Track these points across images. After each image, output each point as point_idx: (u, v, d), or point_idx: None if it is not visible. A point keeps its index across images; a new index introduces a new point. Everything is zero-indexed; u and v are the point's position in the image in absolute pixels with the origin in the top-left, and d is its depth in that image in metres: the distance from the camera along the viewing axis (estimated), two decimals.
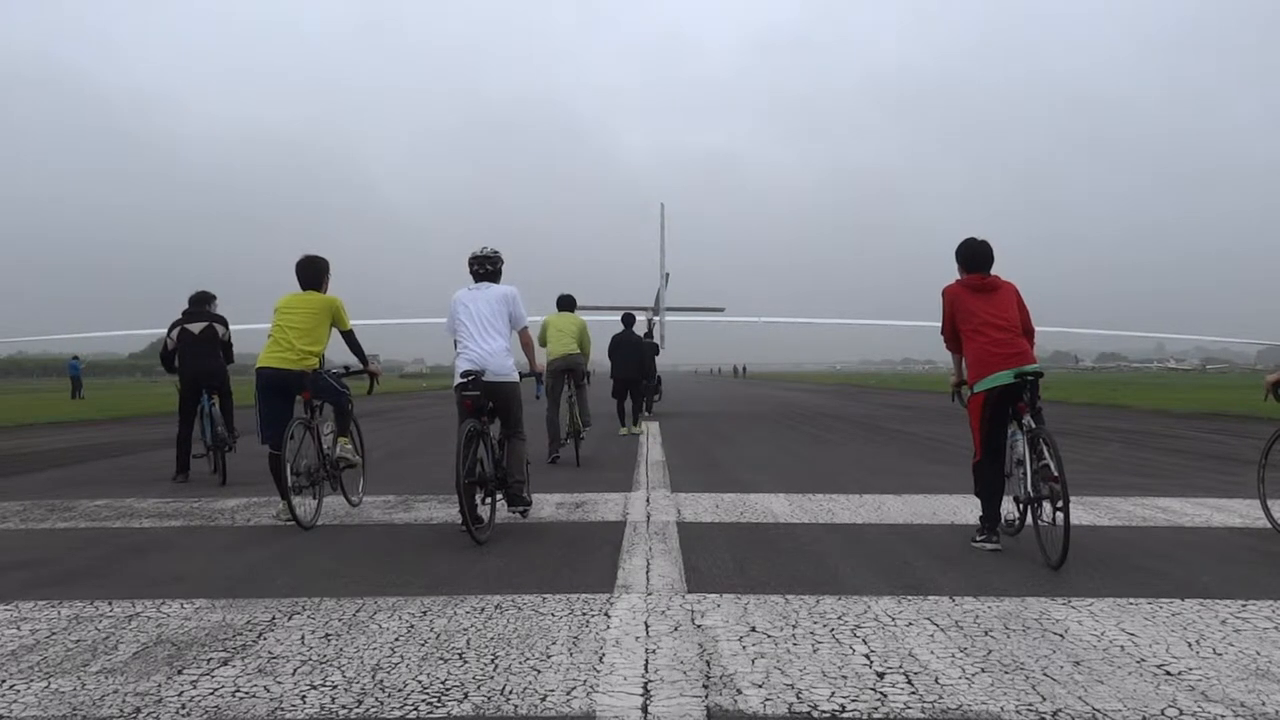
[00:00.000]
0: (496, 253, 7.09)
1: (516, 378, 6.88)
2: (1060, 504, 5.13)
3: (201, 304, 9.98)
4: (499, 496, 6.64)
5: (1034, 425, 5.55)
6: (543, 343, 11.11)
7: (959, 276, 6.07)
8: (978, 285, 5.93)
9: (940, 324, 6.11)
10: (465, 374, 6.48)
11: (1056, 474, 5.20)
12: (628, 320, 16.03)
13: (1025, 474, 5.49)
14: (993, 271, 6.02)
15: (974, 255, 6.02)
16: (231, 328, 10.14)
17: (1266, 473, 6.51)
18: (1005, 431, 5.78)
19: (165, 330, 10.03)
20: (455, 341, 6.82)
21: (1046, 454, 5.33)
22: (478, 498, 6.30)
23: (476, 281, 7.00)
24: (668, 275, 42.04)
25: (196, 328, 9.76)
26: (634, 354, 15.57)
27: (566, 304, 11.87)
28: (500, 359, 6.68)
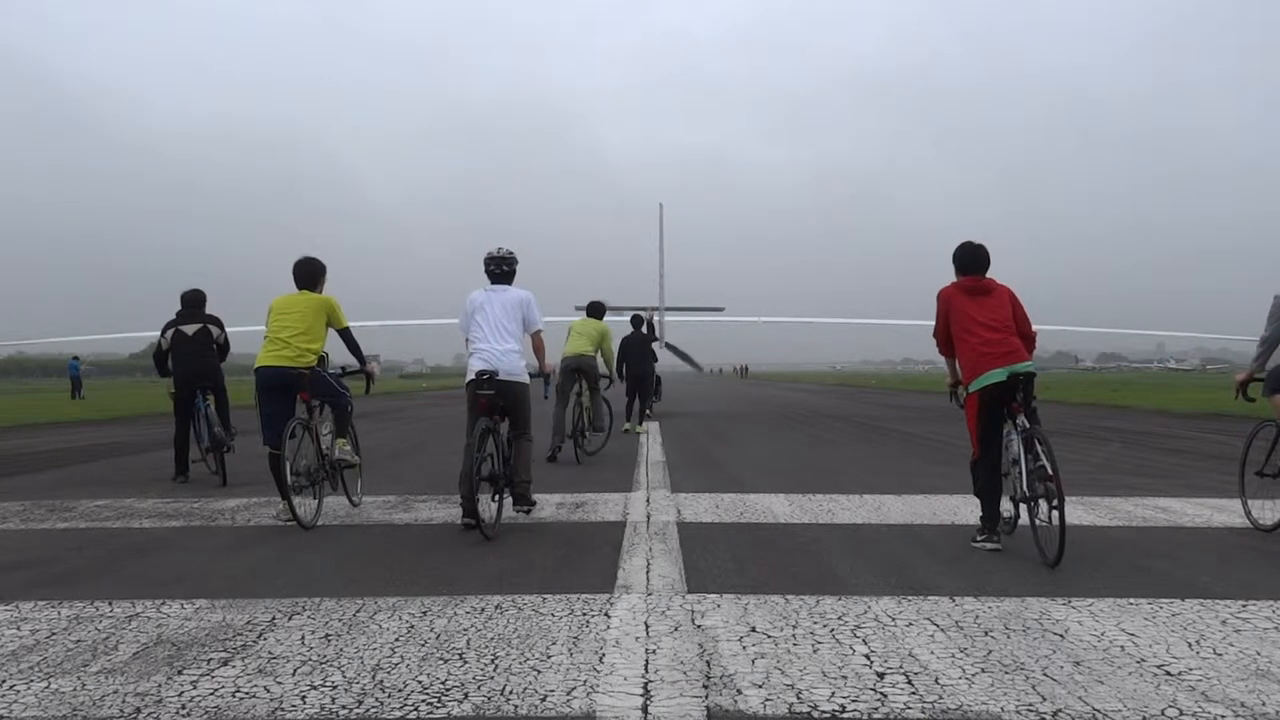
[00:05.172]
0: (512, 253, 7.26)
1: (527, 379, 7.04)
2: (1055, 503, 5.17)
3: (194, 305, 9.92)
4: (506, 494, 6.74)
5: (1028, 425, 5.58)
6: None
7: (955, 279, 6.12)
8: (972, 288, 5.98)
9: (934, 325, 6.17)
10: (479, 373, 6.66)
11: (1051, 474, 5.24)
12: (636, 321, 16.75)
13: (1021, 473, 5.52)
14: (990, 274, 6.07)
15: (969, 258, 6.08)
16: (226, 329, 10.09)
17: (1247, 471, 6.59)
18: (1002, 430, 5.81)
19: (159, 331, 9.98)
20: (468, 341, 7.00)
21: (1041, 454, 5.37)
22: (488, 495, 6.42)
23: (493, 283, 7.16)
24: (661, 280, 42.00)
25: (191, 329, 9.67)
26: (641, 354, 16.03)
27: (593, 310, 12.57)
28: (512, 360, 6.85)
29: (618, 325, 16.60)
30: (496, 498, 6.53)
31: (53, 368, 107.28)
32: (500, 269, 7.16)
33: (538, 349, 7.42)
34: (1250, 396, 6.67)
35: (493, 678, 3.39)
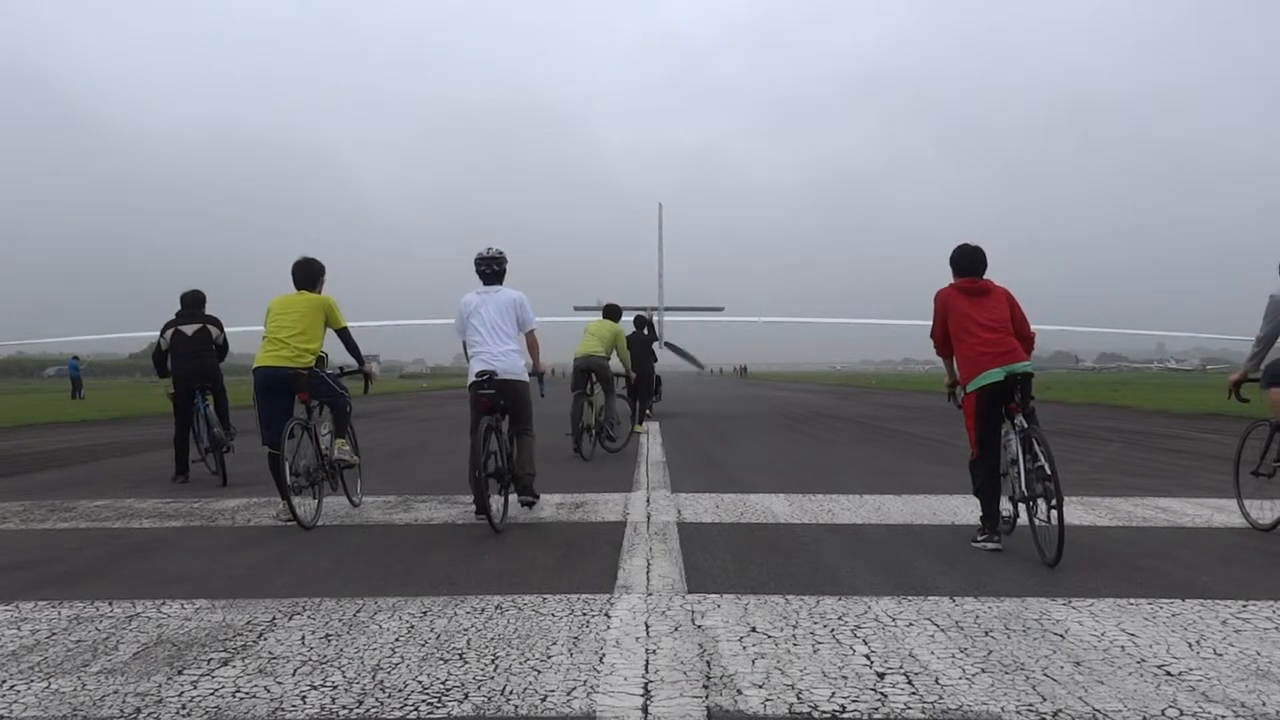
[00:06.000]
0: (501, 253, 7.37)
1: (526, 377, 7.20)
2: (1054, 503, 5.18)
3: (194, 305, 9.91)
4: (511, 490, 6.89)
5: (1026, 425, 5.59)
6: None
7: (953, 281, 6.14)
8: (969, 289, 6.02)
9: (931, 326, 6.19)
10: (480, 374, 6.82)
11: (1050, 474, 5.26)
12: (638, 323, 17.09)
13: (1019, 474, 5.53)
14: (989, 275, 6.10)
15: (967, 260, 6.13)
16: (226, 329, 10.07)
17: (1243, 471, 6.60)
18: (1000, 430, 5.82)
19: (158, 332, 9.95)
20: (465, 344, 7.16)
21: (1040, 454, 5.38)
22: (495, 491, 6.57)
23: (485, 284, 7.26)
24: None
25: (190, 329, 9.65)
26: (642, 355, 16.22)
27: (608, 312, 12.99)
28: (512, 360, 7.03)
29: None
30: (501, 492, 6.69)
31: (51, 367, 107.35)
32: (490, 269, 7.26)
33: (532, 348, 7.53)
34: (1244, 397, 6.67)
35: (493, 678, 3.39)
